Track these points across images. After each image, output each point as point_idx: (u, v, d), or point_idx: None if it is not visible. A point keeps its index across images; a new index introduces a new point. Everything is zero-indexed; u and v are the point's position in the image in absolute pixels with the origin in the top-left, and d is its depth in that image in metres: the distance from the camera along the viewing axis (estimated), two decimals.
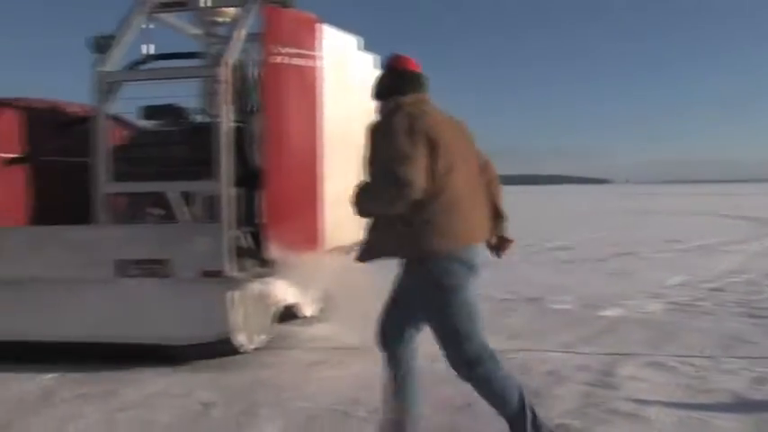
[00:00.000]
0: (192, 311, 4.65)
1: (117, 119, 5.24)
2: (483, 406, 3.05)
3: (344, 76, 5.03)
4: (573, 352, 5.01)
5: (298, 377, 4.51)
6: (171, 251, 4.67)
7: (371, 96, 3.13)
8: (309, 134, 4.72)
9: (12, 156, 5.05)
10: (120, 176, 4.89)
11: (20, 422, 3.78)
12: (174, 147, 5.00)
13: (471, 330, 2.90)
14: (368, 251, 3.01)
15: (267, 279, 4.88)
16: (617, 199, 46.91)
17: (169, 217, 5.07)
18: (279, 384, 4.35)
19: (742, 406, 3.78)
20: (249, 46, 5.12)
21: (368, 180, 2.89)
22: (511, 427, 2.95)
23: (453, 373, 2.98)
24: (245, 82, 5.08)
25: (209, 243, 4.60)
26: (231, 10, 5.58)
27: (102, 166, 4.87)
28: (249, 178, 4.75)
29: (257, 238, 4.74)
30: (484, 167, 3.18)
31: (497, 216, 3.20)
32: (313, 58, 4.77)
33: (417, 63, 3.13)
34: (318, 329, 5.69)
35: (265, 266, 4.77)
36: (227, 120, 4.70)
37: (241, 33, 4.97)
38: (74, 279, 4.81)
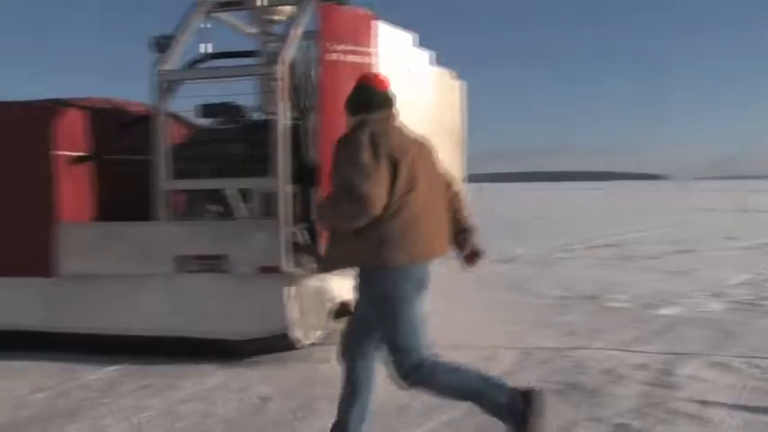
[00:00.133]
0: (249, 307, 4.75)
1: (176, 117, 5.36)
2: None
3: (400, 72, 5.03)
4: (631, 350, 4.92)
5: None
6: (229, 247, 4.77)
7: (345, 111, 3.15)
8: None
9: (77, 154, 5.19)
10: (179, 174, 5.00)
11: (87, 411, 3.91)
12: (232, 144, 5.09)
13: (413, 344, 2.95)
14: (327, 261, 3.12)
15: (323, 275, 4.92)
16: (672, 196, 45.77)
17: (227, 214, 5.17)
18: (335, 379, 4.33)
19: None
20: (305, 44, 5.16)
21: (330, 193, 2.96)
22: (494, 414, 2.97)
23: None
24: (302, 79, 5.12)
25: (266, 239, 4.68)
26: (287, 8, 5.66)
27: (162, 164, 5.00)
28: (305, 175, 4.80)
29: (313, 234, 4.79)
30: (448, 185, 3.23)
31: (465, 230, 3.21)
32: (368, 54, 4.80)
33: (385, 80, 3.15)
34: None
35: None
36: (283, 117, 4.76)
37: (297, 31, 5.02)
38: (135, 274, 4.95)
